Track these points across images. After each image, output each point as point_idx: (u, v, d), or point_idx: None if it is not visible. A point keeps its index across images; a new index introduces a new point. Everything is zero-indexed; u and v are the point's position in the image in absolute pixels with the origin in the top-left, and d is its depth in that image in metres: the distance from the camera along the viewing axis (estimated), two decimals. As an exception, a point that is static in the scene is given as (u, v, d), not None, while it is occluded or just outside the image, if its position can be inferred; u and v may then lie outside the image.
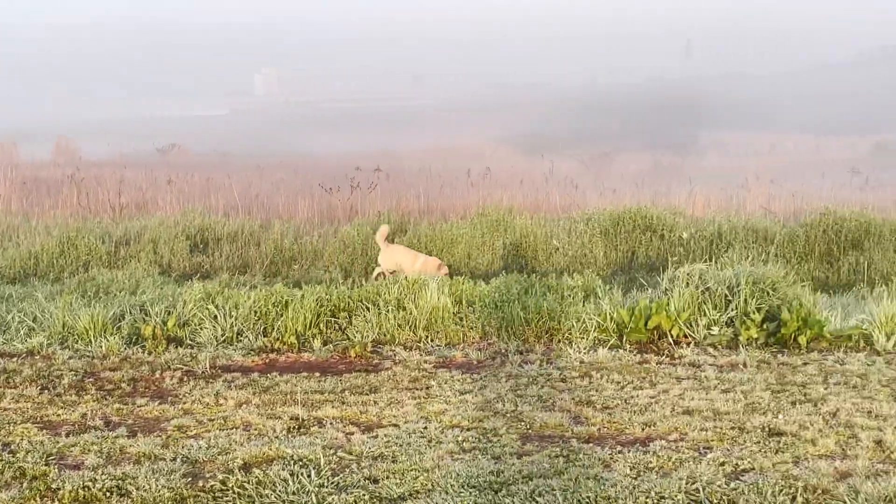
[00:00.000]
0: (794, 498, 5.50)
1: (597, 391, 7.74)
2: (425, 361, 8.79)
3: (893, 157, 43.01)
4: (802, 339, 8.93)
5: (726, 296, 9.60)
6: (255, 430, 6.96)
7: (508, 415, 7.20)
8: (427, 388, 7.95)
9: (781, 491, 5.56)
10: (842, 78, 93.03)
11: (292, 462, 6.18)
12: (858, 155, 45.96)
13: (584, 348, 9.03)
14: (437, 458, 6.23)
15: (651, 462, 6.13)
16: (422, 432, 6.79)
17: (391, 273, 12.96)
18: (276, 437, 6.75)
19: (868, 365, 8.29)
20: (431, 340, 9.51)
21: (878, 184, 24.97)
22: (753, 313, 9.28)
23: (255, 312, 9.90)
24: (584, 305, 9.80)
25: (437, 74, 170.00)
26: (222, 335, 9.67)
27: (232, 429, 6.99)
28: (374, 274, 13.33)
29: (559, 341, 9.32)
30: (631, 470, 6.02)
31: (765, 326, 9.17)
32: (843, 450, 6.26)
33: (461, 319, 9.76)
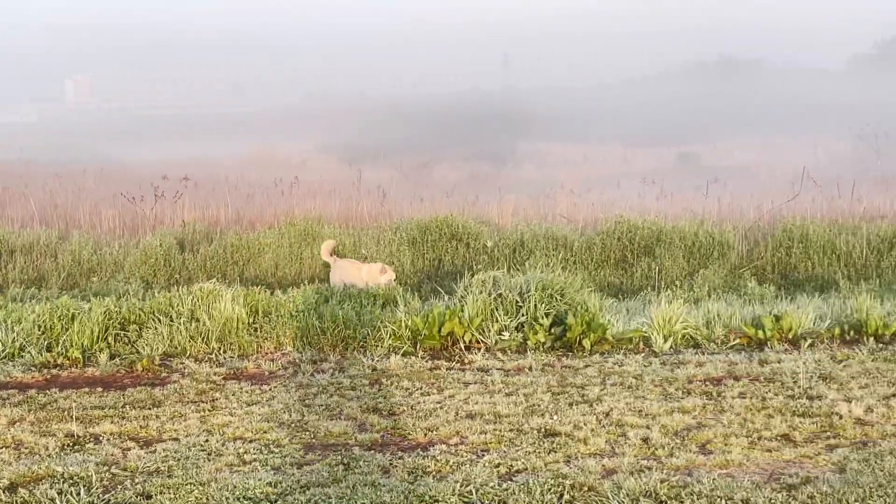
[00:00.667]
0: (561, 496, 5.69)
1: (384, 398, 7.81)
2: (215, 374, 8.65)
3: (696, 166, 45.25)
4: (587, 342, 9.27)
5: (517, 302, 9.86)
6: (27, 448, 6.68)
7: (294, 425, 7.17)
8: (213, 400, 7.82)
9: (550, 490, 5.75)
10: (651, 91, 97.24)
11: (62, 480, 5.97)
12: (665, 165, 48.13)
13: (378, 356, 9.09)
14: (215, 472, 6.15)
15: (429, 466, 6.23)
16: (202, 446, 6.68)
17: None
18: (48, 456, 6.50)
19: (645, 366, 8.69)
20: (224, 352, 9.36)
21: (679, 192, 26.24)
22: (542, 318, 9.58)
23: (39, 327, 9.50)
24: (380, 313, 9.87)
25: (258, 83, 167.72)
26: (2, 351, 9.23)
27: (1, 448, 6.68)
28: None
29: (354, 350, 9.35)
30: (409, 475, 6.10)
31: (552, 331, 9.47)
32: (611, 448, 6.53)
33: (256, 330, 9.65)
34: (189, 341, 9.40)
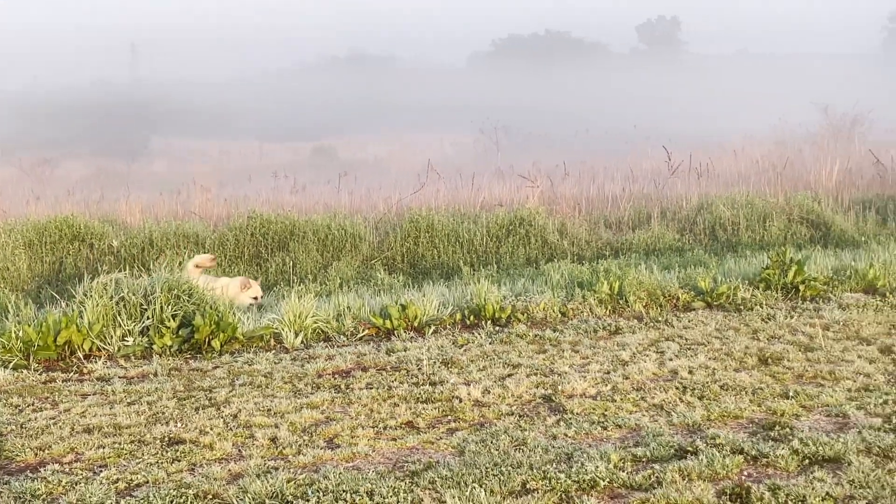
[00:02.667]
0: (184, 507, 5.45)
1: (-11, 419, 7.12)
2: None
3: (332, 160, 46.02)
4: (216, 343, 9.02)
5: (142, 305, 9.40)
6: None
7: None
8: None
9: (172, 501, 5.49)
10: (287, 85, 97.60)
11: None
12: (301, 159, 48.52)
13: (-16, 372, 8.28)
14: None
15: (39, 489, 5.72)
16: None
17: None
18: None
19: (275, 363, 8.60)
20: None
21: (314, 186, 26.48)
22: (169, 320, 9.20)
23: None
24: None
25: None
26: None
27: None
28: None
29: (-45, 367, 8.45)
30: (17, 501, 5.57)
31: (180, 333, 9.13)
32: (238, 451, 6.36)
33: None
34: None
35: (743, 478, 5.64)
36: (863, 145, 26.59)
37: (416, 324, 9.81)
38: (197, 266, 11.77)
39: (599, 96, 74.58)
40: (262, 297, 11.57)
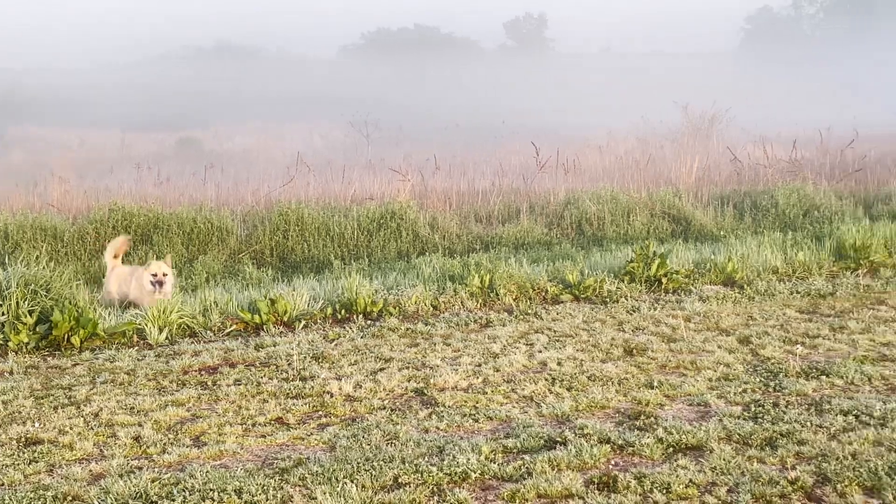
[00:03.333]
0: (42, 510, 5.22)
1: None
2: None
3: (198, 152, 44.97)
4: (76, 340, 8.69)
5: (-4, 300, 8.98)
6: None
7: None
8: None
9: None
10: (151, 74, 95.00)
11: None
12: (165, 150, 47.24)
13: None
14: None
15: None
16: None
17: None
18: None
19: (138, 360, 8.34)
20: None
21: (179, 178, 25.84)
22: (25, 316, 8.81)
23: None
24: None
25: None
26: None
27: None
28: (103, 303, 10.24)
29: None
30: None
31: (37, 329, 8.76)
32: (100, 451, 6.13)
33: None
34: None
35: (610, 466, 5.75)
36: (721, 142, 27.52)
37: (285, 318, 9.67)
38: (115, 256, 10.92)
39: (469, 92, 75.15)
40: (166, 275, 10.31)
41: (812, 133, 25.61)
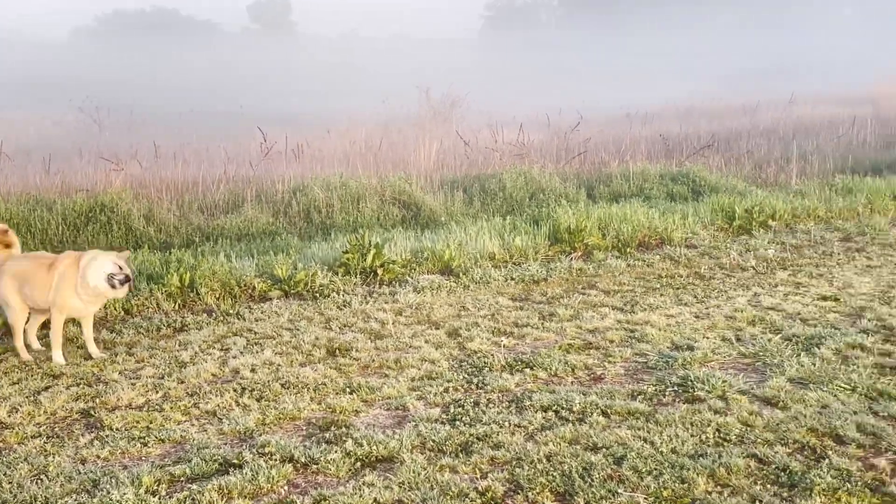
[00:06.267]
0: None
1: None
2: None
3: None
4: None
5: None
6: None
7: None
8: None
9: None
10: None
11: None
12: None
13: None
14: None
15: None
16: None
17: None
18: None
19: None
20: None
21: None
22: None
23: None
24: None
25: None
26: None
27: None
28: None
29: None
30: None
31: None
32: None
33: None
34: None
35: (290, 489, 5.14)
36: (461, 127, 27.64)
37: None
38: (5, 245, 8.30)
39: (209, 76, 72.68)
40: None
41: (544, 117, 26.12)
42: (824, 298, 9.41)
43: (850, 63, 65.81)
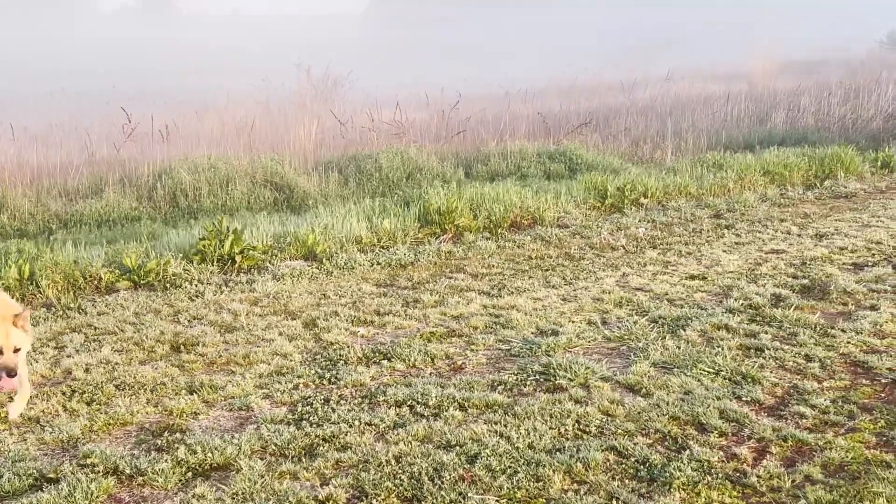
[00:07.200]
0: None
1: None
2: None
3: None
4: None
5: None
6: None
7: None
8: None
9: None
10: None
11: None
12: None
13: None
14: None
15: None
16: None
17: None
18: None
19: None
20: None
21: None
22: None
23: None
24: None
25: None
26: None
27: None
28: None
29: None
30: None
31: None
32: None
33: None
34: None
35: (110, 506, 4.67)
36: (343, 106, 26.99)
37: None
38: None
39: (83, 54, 70.06)
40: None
41: (424, 96, 25.70)
42: (692, 277, 9.29)
43: (726, 40, 67.25)
